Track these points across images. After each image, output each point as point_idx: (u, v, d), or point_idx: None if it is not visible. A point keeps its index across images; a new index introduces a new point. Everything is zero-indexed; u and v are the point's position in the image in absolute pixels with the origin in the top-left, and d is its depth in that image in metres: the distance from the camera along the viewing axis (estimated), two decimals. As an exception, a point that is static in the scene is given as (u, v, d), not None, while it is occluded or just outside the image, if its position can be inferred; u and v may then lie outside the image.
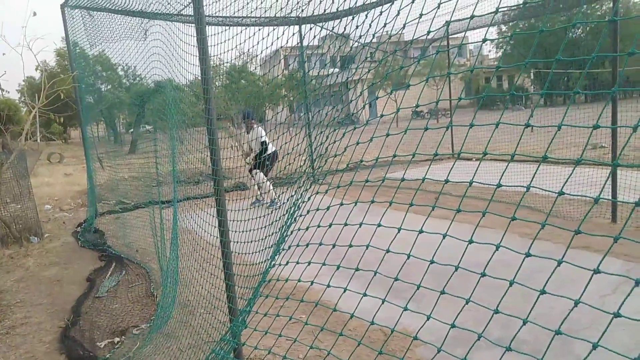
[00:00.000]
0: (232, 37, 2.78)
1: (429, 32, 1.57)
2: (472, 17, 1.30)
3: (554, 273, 1.11)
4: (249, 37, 2.71)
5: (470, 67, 1.32)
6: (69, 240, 6.57)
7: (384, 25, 1.67)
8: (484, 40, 1.31)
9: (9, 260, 5.72)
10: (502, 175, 1.15)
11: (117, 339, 3.40)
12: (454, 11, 1.50)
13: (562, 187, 0.97)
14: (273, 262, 2.24)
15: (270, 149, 7.41)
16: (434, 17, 1.44)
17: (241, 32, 2.81)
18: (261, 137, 7.47)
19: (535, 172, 1.04)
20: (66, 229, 7.26)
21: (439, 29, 8.12)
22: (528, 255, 1.04)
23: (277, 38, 2.62)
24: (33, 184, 7.24)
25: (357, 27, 1.87)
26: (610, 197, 5.21)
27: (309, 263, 1.87)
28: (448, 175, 1.15)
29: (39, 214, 7.02)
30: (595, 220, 5.23)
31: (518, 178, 7.03)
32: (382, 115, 1.55)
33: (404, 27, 1.67)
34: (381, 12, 1.71)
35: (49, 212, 8.78)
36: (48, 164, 18.43)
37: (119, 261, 5.25)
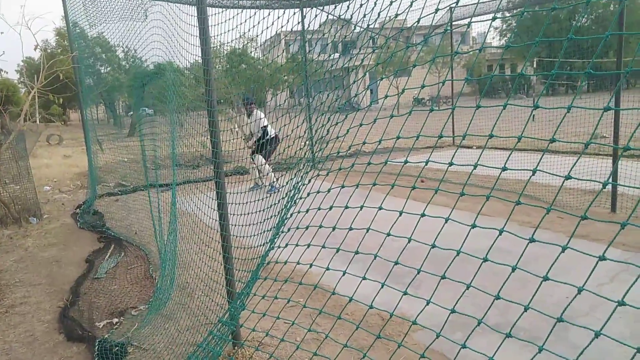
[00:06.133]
0: (233, 17, 2.74)
1: (425, 17, 1.54)
2: (457, 8, 1.27)
3: (552, 262, 1.11)
4: (249, 17, 2.67)
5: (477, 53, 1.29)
6: (67, 221, 6.57)
7: (376, 10, 1.63)
8: (466, 28, 1.28)
9: (8, 241, 5.73)
10: (507, 160, 1.14)
11: (115, 320, 3.42)
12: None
13: (569, 172, 0.95)
14: (272, 245, 2.23)
15: (271, 132, 7.39)
16: (422, 2, 1.41)
17: (241, 11, 2.76)
18: (261, 121, 7.45)
19: (540, 159, 1.02)
20: (65, 211, 7.26)
21: (442, 11, 8.03)
22: (532, 240, 1.03)
23: (278, 17, 2.58)
24: (32, 165, 7.22)
25: (361, 6, 1.83)
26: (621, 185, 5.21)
27: (308, 246, 1.86)
28: (452, 159, 1.14)
29: (38, 195, 7.01)
30: (594, 210, 5.24)
31: (518, 167, 7.01)
32: (386, 96, 1.53)
33: (395, 15, 1.63)
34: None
35: (48, 193, 8.77)
36: (47, 146, 18.37)
37: (118, 243, 5.26)
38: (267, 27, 2.60)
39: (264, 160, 7.46)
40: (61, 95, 7.16)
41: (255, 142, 7.53)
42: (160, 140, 5.16)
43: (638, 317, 2.87)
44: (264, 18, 2.62)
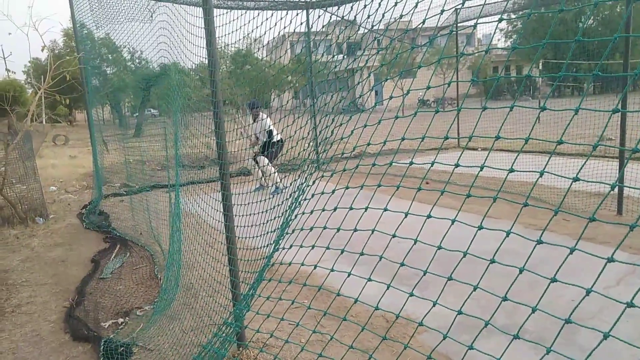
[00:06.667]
0: (237, 18, 2.75)
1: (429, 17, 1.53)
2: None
3: (558, 264, 1.10)
4: (253, 18, 2.68)
5: (481, 53, 1.29)
6: (73, 221, 6.60)
7: (380, 11, 1.63)
8: (472, 29, 1.28)
9: (15, 240, 5.77)
10: (514, 162, 1.13)
11: (121, 320, 3.43)
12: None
13: (577, 174, 0.95)
14: (277, 247, 2.23)
15: (277, 137, 7.45)
16: (427, 3, 1.40)
17: (245, 13, 2.77)
18: (267, 126, 7.52)
19: (548, 161, 1.01)
20: (71, 211, 7.30)
21: (447, 12, 8.00)
22: (540, 242, 1.02)
23: (281, 18, 2.58)
24: (38, 166, 7.26)
25: (365, 7, 1.83)
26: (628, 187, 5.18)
27: (313, 247, 1.86)
28: (457, 160, 1.13)
29: (44, 195, 7.05)
30: (600, 213, 5.20)
31: (524, 169, 6.98)
32: (391, 97, 1.52)
33: (400, 16, 1.63)
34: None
35: (54, 193, 8.82)
36: (53, 146, 18.48)
37: (124, 243, 5.28)
38: (270, 28, 2.61)
39: (267, 161, 7.49)
40: (67, 96, 7.21)
41: (261, 146, 7.62)
42: (170, 141, 5.18)
43: (645, 320, 2.85)
44: (267, 19, 2.62)
